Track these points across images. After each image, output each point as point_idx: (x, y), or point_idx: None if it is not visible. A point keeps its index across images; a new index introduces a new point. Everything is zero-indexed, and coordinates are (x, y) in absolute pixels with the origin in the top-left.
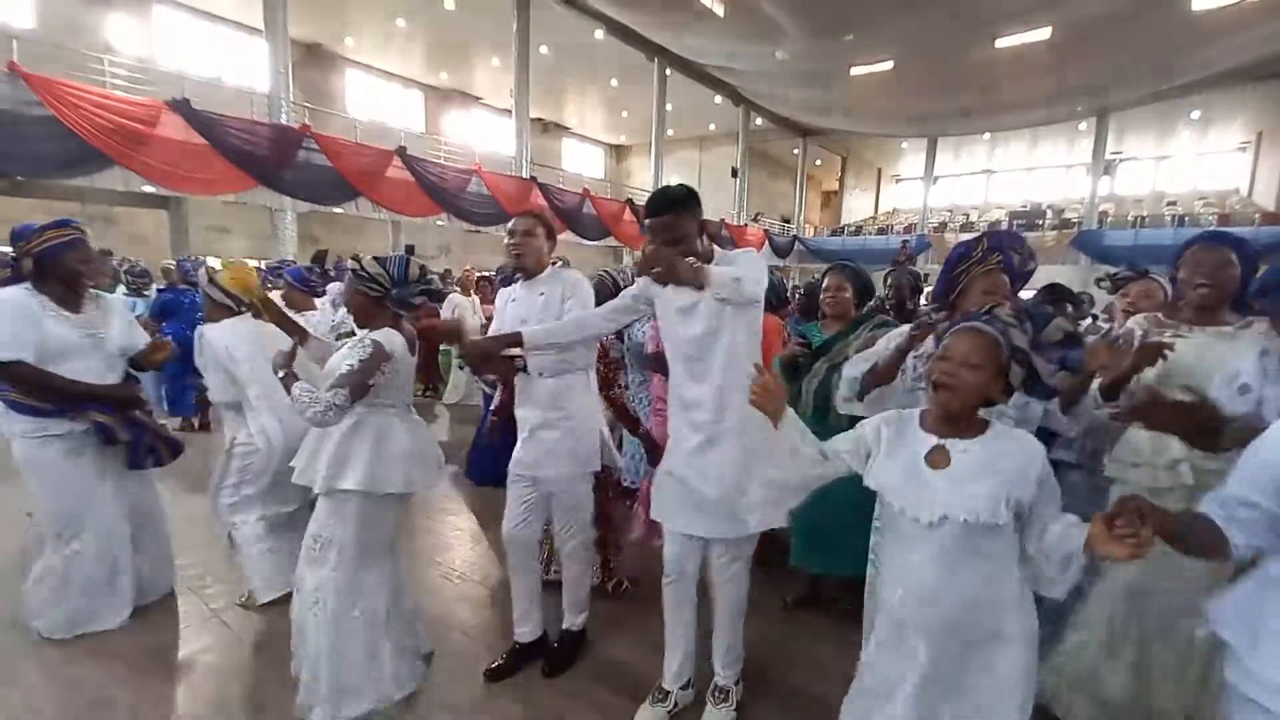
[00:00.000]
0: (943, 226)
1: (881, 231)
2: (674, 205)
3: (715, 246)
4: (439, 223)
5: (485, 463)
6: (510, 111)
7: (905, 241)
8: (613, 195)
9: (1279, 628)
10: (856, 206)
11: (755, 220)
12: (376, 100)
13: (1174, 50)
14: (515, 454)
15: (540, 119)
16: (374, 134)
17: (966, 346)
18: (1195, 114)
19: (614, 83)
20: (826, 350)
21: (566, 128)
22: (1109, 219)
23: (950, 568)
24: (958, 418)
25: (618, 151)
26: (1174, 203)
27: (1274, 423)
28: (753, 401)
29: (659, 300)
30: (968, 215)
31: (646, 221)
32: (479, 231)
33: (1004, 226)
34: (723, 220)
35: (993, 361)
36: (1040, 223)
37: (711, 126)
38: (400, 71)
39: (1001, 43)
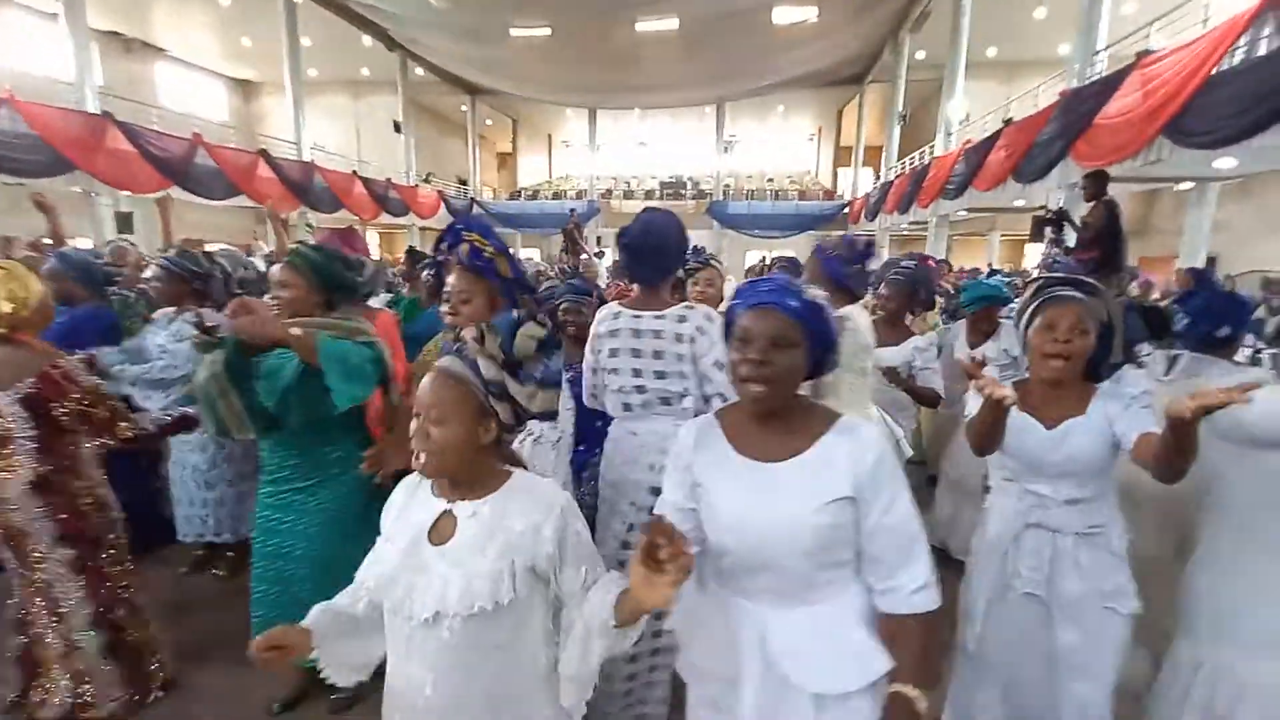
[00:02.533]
0: (609, 193)
1: (556, 196)
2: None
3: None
4: None
5: None
6: (58, 16)
7: (573, 210)
8: (242, 144)
9: None
10: (531, 170)
11: (427, 181)
12: None
13: (764, 55)
14: None
15: (117, 33)
16: None
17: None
18: (781, 108)
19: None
20: None
21: (161, 49)
22: (730, 191)
23: (457, 669)
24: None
25: (245, 89)
26: (772, 180)
27: None
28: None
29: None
30: (629, 184)
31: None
32: (21, 184)
33: (657, 196)
34: (389, 180)
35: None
36: (684, 193)
37: (365, 72)
38: None
39: (641, 26)
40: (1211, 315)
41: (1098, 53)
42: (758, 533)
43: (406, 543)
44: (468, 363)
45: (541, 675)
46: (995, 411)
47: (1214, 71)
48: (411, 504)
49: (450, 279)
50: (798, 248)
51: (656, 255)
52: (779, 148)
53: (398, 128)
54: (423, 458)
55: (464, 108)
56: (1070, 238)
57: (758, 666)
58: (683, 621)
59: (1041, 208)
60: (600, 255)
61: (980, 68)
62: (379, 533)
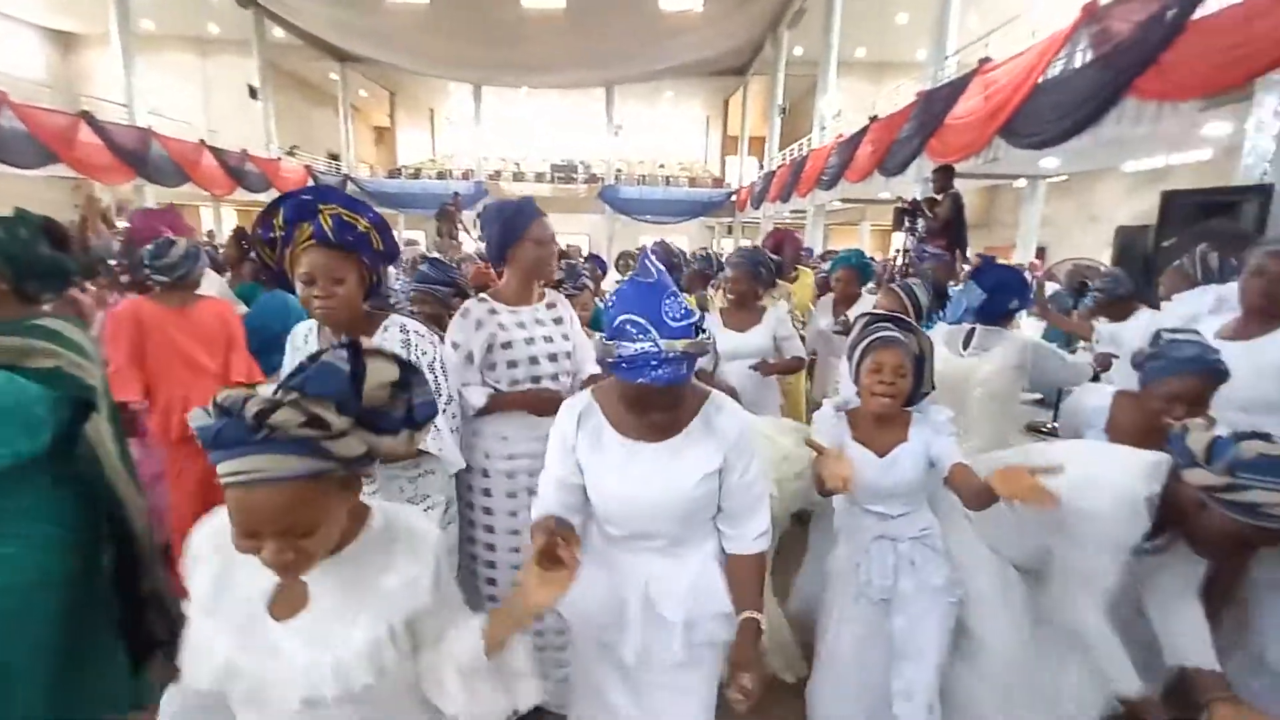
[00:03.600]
0: (497, 175)
1: (441, 176)
2: None
3: None
4: None
5: None
6: None
7: (456, 193)
8: (62, 105)
9: None
10: (412, 147)
11: (291, 154)
12: None
13: (651, 40)
14: None
15: None
16: None
17: None
18: (670, 94)
19: None
20: None
21: None
22: (622, 176)
23: None
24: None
25: (65, 41)
26: (663, 166)
27: None
28: None
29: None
30: (518, 165)
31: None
32: None
33: (548, 177)
34: (244, 151)
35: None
36: (575, 176)
37: (214, 29)
38: None
39: (527, 2)
40: (1007, 291)
41: (947, 58)
42: (643, 507)
43: (240, 621)
44: (299, 446)
45: None
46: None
47: (1039, 80)
48: (232, 569)
49: (308, 259)
50: (689, 234)
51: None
52: (669, 134)
53: (254, 93)
54: (287, 571)
55: (333, 76)
56: (922, 227)
57: (639, 609)
58: (579, 589)
59: (899, 199)
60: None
61: (851, 66)
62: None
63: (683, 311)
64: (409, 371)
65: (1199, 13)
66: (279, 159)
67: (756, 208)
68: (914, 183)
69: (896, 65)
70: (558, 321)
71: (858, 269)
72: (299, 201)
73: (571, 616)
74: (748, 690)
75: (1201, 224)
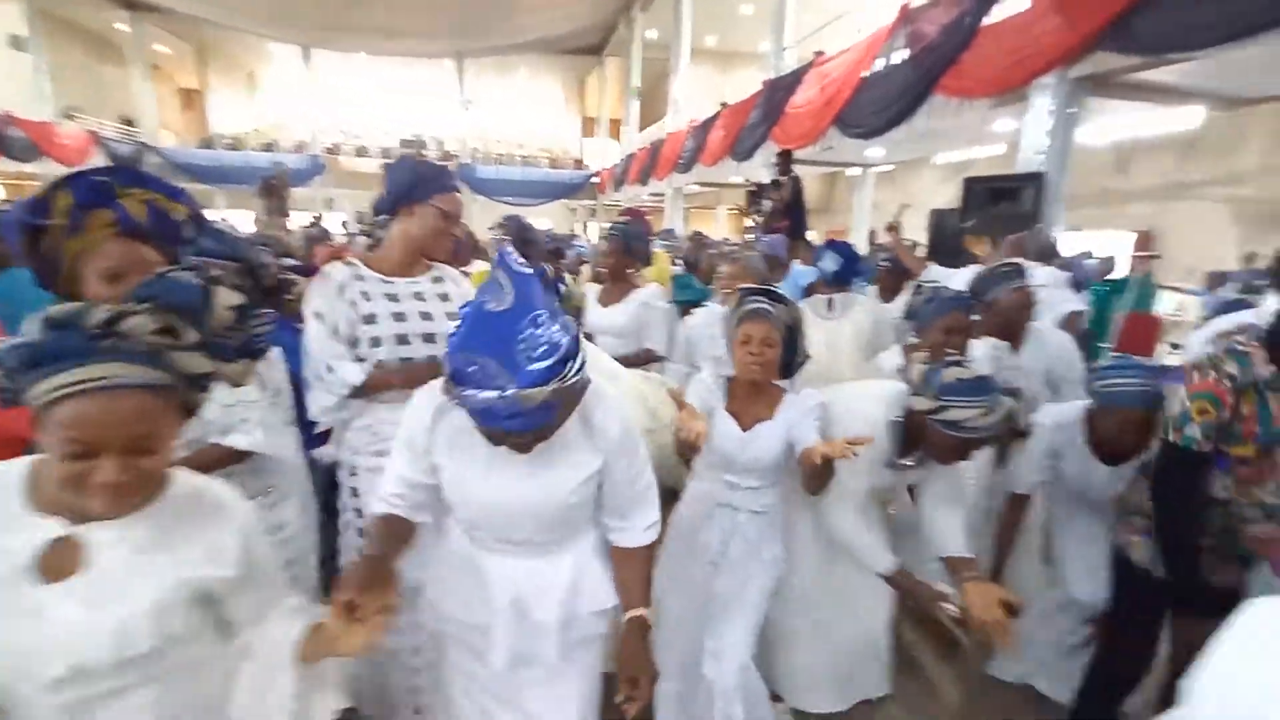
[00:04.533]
0: (336, 149)
1: (267, 148)
2: None
3: None
4: None
5: None
6: None
7: (280, 164)
8: None
9: None
10: (228, 114)
11: (70, 117)
12: None
13: (502, 12)
14: None
15: None
16: None
17: None
18: (524, 71)
19: None
20: None
21: None
22: (479, 155)
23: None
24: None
25: None
26: (522, 145)
27: None
28: None
29: None
30: (360, 138)
31: None
32: None
33: (396, 153)
34: (9, 114)
35: None
36: (426, 153)
37: None
38: None
39: None
40: (854, 260)
41: (785, 50)
42: (513, 515)
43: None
44: (145, 357)
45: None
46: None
47: (864, 75)
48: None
49: (112, 251)
50: (551, 215)
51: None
52: (526, 113)
53: (19, 44)
54: (116, 497)
55: (121, 26)
56: (768, 208)
57: (509, 612)
58: (433, 579)
59: (749, 182)
60: (316, 224)
61: (702, 54)
62: None
63: (547, 344)
64: (255, 302)
65: (988, 19)
66: (53, 123)
67: (618, 190)
68: (763, 167)
69: (744, 55)
70: (443, 298)
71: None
72: (94, 184)
73: (435, 625)
74: (639, 695)
75: (993, 207)
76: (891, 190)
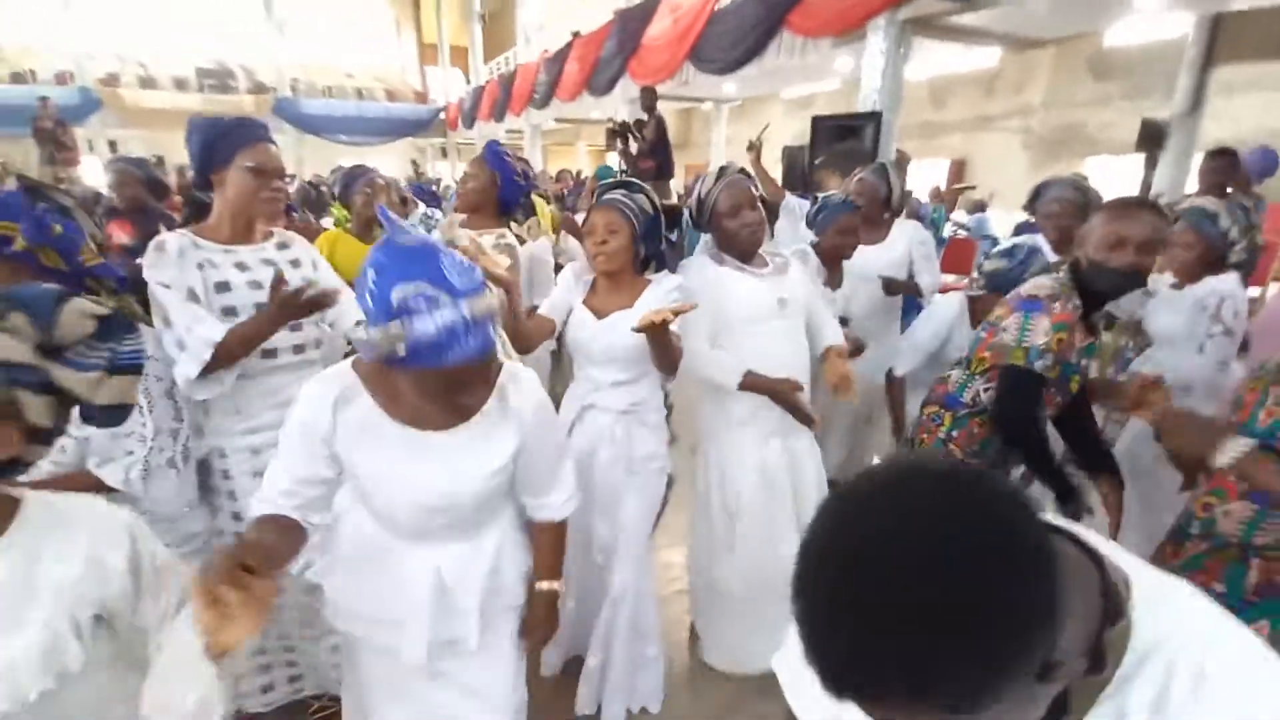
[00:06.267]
0: (114, 79)
1: (17, 79)
2: None
3: None
4: None
5: None
6: None
7: (45, 98)
8: None
9: None
10: None
11: None
12: None
13: None
14: None
15: None
16: None
17: None
18: None
19: None
20: None
21: None
22: (300, 86)
23: None
24: None
25: None
26: (352, 75)
27: None
28: None
29: None
30: (145, 67)
31: None
32: None
33: (194, 85)
34: None
35: None
36: (233, 84)
37: None
38: None
39: None
40: None
41: None
42: (431, 504)
43: None
44: None
45: None
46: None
47: (715, 9)
48: None
49: None
50: (397, 154)
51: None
52: (352, 38)
53: None
54: None
55: None
56: (634, 148)
57: (431, 600)
58: (341, 577)
59: (609, 119)
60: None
61: None
62: None
63: (464, 264)
64: (121, 320)
65: None
66: None
67: (470, 127)
68: (621, 103)
69: None
70: (294, 264)
71: None
72: None
73: (348, 623)
74: (532, 648)
75: (839, 143)
76: (744, 125)
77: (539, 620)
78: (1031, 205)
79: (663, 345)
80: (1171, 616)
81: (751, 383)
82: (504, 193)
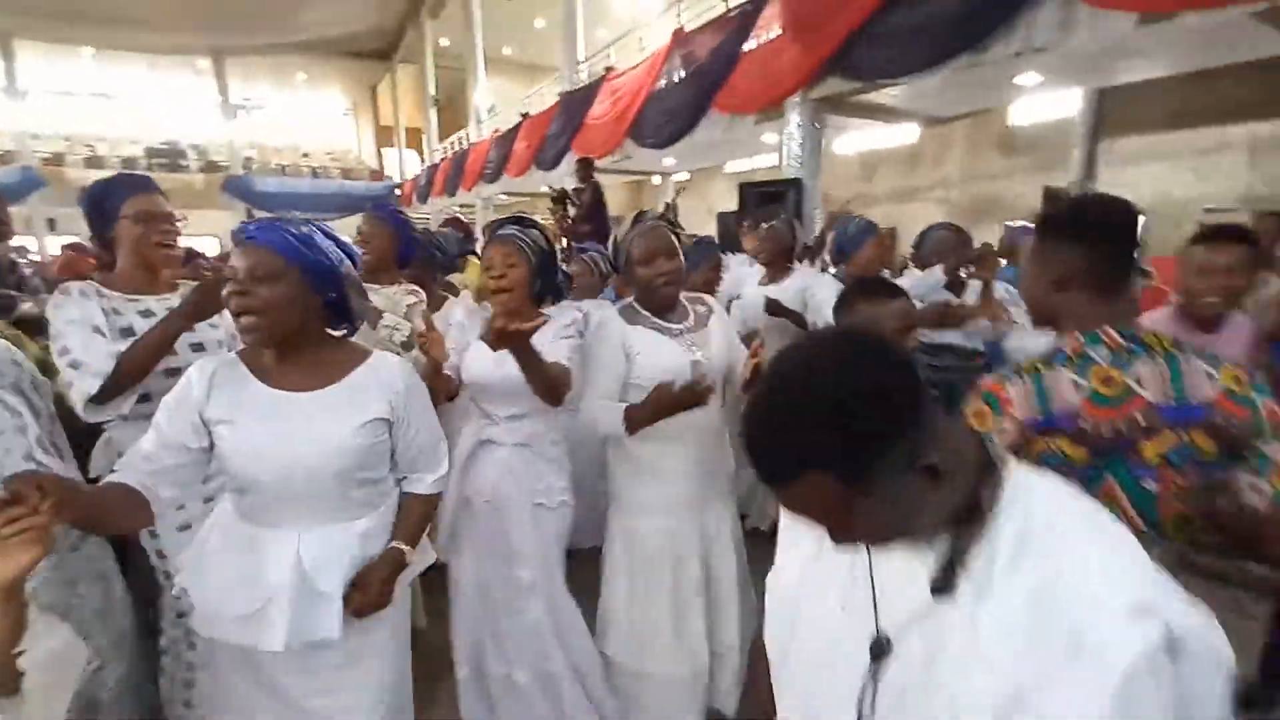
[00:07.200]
0: (59, 159)
1: None
2: None
3: None
4: None
5: None
6: None
7: None
8: None
9: None
10: None
11: None
12: None
13: (264, 8)
14: None
15: None
16: None
17: None
18: (303, 76)
19: None
20: None
21: None
22: (254, 165)
23: None
24: None
25: None
26: (308, 155)
27: None
28: None
29: None
30: (93, 147)
31: None
32: None
33: (142, 165)
34: None
35: None
36: (185, 163)
37: None
38: None
39: None
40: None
41: (580, 63)
42: (291, 461)
43: None
44: None
45: None
46: (436, 376)
47: (651, 91)
48: None
49: None
50: (350, 228)
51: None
52: (310, 122)
53: None
54: None
55: None
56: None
57: (290, 588)
58: (194, 574)
59: (550, 189)
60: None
61: (500, 64)
62: None
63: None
64: None
65: (749, 45)
66: None
67: (424, 202)
68: (568, 177)
69: (542, 67)
70: None
71: None
72: None
73: (206, 627)
74: (355, 608)
75: (764, 207)
76: (692, 197)
77: (374, 576)
78: (918, 247)
79: (529, 364)
80: (1037, 485)
81: (636, 416)
82: (404, 247)
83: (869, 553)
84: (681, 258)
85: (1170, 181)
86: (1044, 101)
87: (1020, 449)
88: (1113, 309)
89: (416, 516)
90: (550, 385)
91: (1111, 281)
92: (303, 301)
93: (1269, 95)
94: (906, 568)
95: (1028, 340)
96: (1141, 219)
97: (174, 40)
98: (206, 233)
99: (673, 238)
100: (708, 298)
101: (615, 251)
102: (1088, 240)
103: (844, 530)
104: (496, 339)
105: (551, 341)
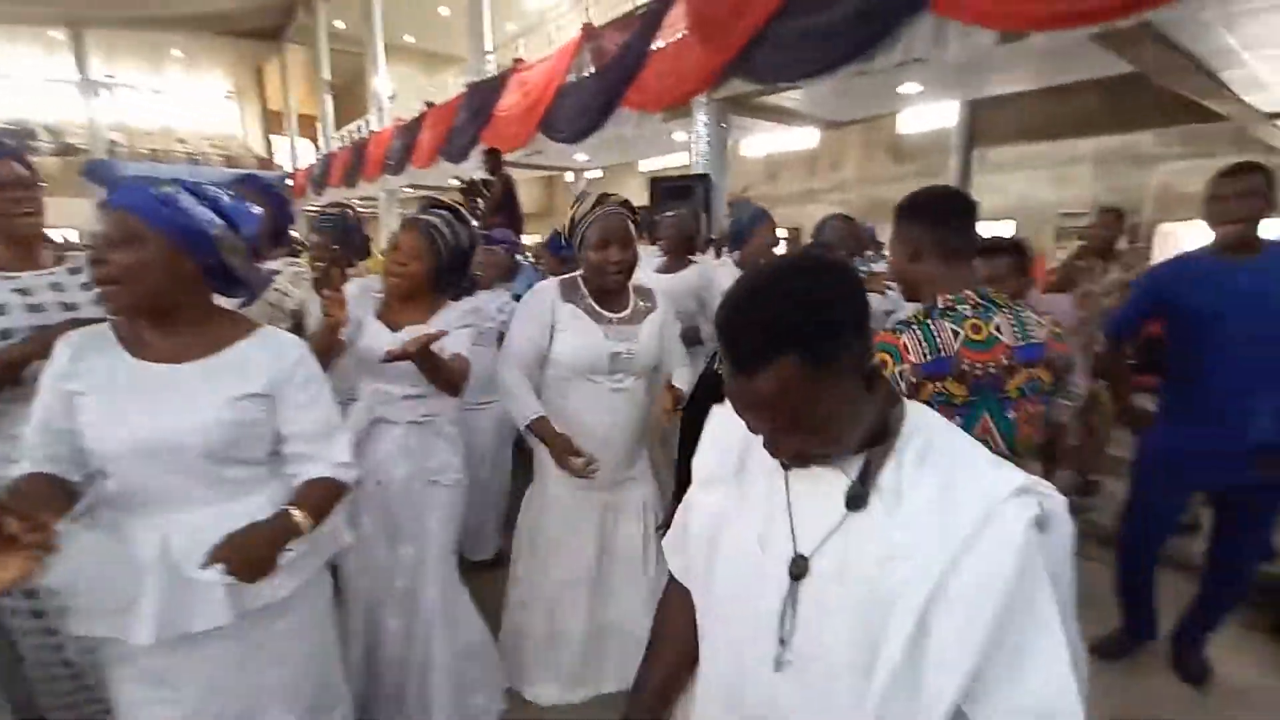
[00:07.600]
0: None
1: None
2: None
3: None
4: None
5: None
6: None
7: None
8: None
9: None
10: None
11: None
12: None
13: None
14: None
15: None
16: None
17: None
18: (177, 52)
19: None
20: None
21: None
22: (120, 149)
23: None
24: None
25: None
26: (184, 140)
27: None
28: None
29: None
30: None
31: None
32: None
33: None
34: None
35: None
36: (37, 145)
37: None
38: None
39: None
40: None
41: (488, 54)
42: (151, 436)
43: None
44: None
45: None
46: (332, 334)
47: (560, 85)
48: None
49: None
50: None
51: None
52: (187, 104)
53: None
54: None
55: None
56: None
57: (160, 577)
58: (64, 575)
59: (460, 181)
60: None
61: (401, 51)
62: None
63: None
64: None
65: (657, 44)
66: None
67: (319, 193)
68: (477, 170)
69: (446, 57)
70: (86, 287)
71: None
72: None
73: (85, 629)
74: (228, 562)
75: (674, 202)
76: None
77: (253, 534)
78: (818, 235)
79: (430, 368)
80: (928, 413)
81: (537, 429)
82: (280, 222)
83: (786, 485)
84: (637, 249)
85: (1033, 188)
86: (927, 112)
87: (913, 393)
88: (961, 275)
89: (320, 494)
90: (449, 380)
91: (954, 251)
92: (170, 268)
93: (1111, 112)
94: (820, 492)
95: (908, 309)
96: (1012, 222)
97: (20, 8)
98: (64, 224)
99: (630, 226)
100: (657, 294)
101: (571, 230)
102: (928, 219)
103: (791, 429)
104: (396, 359)
105: (451, 331)
